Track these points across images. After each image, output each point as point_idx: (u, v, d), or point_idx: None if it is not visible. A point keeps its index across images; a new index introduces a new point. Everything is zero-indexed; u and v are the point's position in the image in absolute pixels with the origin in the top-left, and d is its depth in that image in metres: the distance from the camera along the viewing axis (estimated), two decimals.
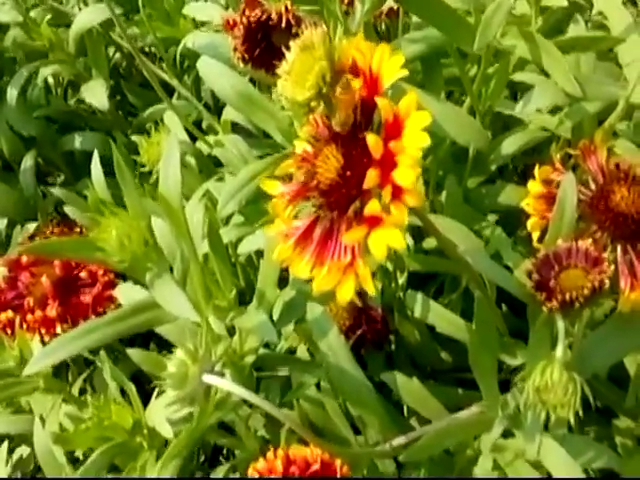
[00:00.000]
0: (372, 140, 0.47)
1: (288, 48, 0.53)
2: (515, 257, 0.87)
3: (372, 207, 0.47)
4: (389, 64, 0.49)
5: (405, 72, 0.48)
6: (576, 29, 0.94)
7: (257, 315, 0.68)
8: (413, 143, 0.47)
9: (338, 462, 0.59)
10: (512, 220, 1.08)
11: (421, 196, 0.47)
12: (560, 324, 0.64)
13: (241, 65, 0.75)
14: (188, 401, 0.58)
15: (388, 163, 0.47)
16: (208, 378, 0.57)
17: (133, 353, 0.72)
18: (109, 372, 0.71)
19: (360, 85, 0.49)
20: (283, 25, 0.69)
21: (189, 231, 0.61)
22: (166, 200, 0.59)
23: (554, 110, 0.98)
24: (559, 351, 0.62)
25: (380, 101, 0.48)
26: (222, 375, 0.59)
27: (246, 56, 0.74)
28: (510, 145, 0.99)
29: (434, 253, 0.99)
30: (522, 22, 0.88)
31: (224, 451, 1.14)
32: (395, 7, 1.03)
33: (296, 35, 0.60)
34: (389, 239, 0.47)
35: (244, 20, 0.71)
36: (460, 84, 1.01)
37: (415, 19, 0.99)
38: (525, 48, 0.80)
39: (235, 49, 0.74)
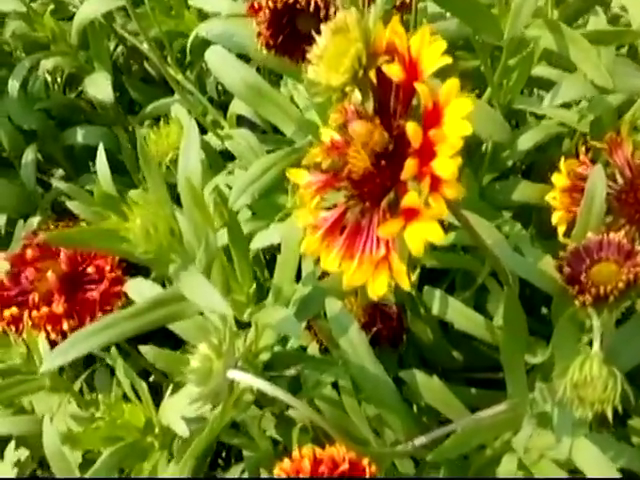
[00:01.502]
0: (412, 128, 0.45)
1: (314, 34, 0.50)
2: (536, 253, 0.85)
3: (411, 199, 0.45)
4: (430, 50, 0.47)
5: (448, 59, 0.46)
6: (596, 22, 0.92)
7: (278, 310, 0.66)
8: (454, 132, 0.44)
9: (366, 461, 0.57)
10: (525, 217, 1.06)
11: (460, 188, 0.45)
12: (595, 319, 0.62)
13: (264, 51, 0.72)
14: (212, 397, 0.56)
15: (427, 153, 0.45)
16: (233, 373, 0.55)
17: (146, 350, 0.70)
18: (122, 370, 0.69)
19: (398, 69, 0.46)
20: (311, 9, 0.67)
21: (212, 219, 0.59)
22: (190, 183, 0.56)
23: (566, 105, 0.97)
24: (596, 346, 0.60)
25: (420, 87, 0.45)
26: (245, 371, 0.57)
27: (271, 42, 0.71)
28: (527, 140, 0.97)
29: (447, 249, 0.97)
30: (537, 15, 0.86)
31: (223, 453, 1.13)
32: (408, 0, 1.00)
33: (323, 20, 0.58)
34: (427, 233, 0.45)
35: (270, 3, 0.68)
36: (473, 78, 0.99)
37: (431, 11, 0.97)
38: (550, 39, 0.78)
39: (259, 34, 0.72)
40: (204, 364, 0.53)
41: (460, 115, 0.45)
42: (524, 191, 0.99)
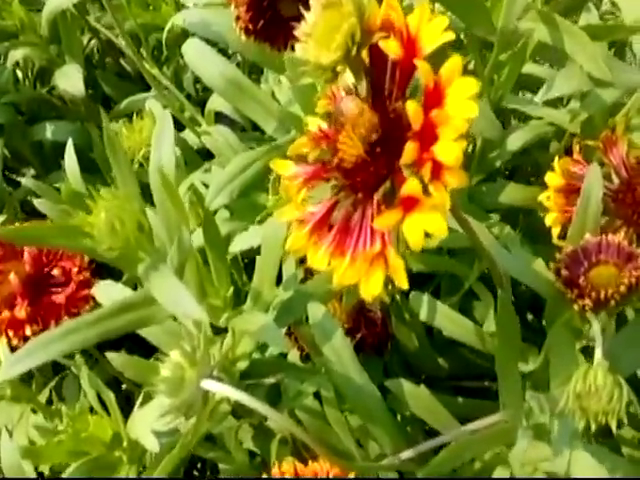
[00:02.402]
0: (412, 107, 0.40)
1: (297, 18, 0.46)
2: (527, 256, 0.82)
3: (411, 186, 0.41)
4: (431, 26, 0.42)
5: (451, 35, 0.42)
6: (588, 18, 0.89)
7: (257, 316, 0.61)
8: (458, 113, 0.40)
9: (351, 476, 0.53)
10: (512, 220, 1.03)
11: (465, 176, 0.41)
12: (595, 324, 0.59)
13: (243, 37, 0.68)
14: (184, 410, 0.51)
15: (428, 136, 0.41)
16: (207, 384, 0.50)
17: (114, 357, 0.64)
18: (87, 379, 0.63)
19: (396, 46, 0.42)
20: None
21: (187, 215, 0.54)
22: (162, 176, 0.51)
23: (555, 106, 0.94)
24: (598, 353, 0.56)
25: (420, 64, 0.41)
26: (221, 381, 0.52)
27: (250, 26, 0.67)
28: (516, 140, 0.93)
29: (433, 252, 0.94)
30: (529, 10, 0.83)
31: (199, 464, 1.08)
32: None
33: (306, 3, 0.53)
34: (428, 224, 0.41)
35: None
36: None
37: (417, 2, 0.93)
38: (545, 31, 0.74)
39: (238, 18, 0.67)
40: (175, 373, 0.48)
41: (464, 95, 0.41)
42: (511, 193, 0.97)
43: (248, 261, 1.00)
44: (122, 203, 0.49)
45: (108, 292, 0.69)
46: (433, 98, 0.41)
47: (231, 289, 0.65)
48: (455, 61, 0.41)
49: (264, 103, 0.89)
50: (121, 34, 0.92)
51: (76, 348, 0.53)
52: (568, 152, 0.97)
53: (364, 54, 0.45)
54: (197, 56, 0.90)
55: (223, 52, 0.93)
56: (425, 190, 0.41)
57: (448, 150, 0.40)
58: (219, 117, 1.09)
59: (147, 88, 1.15)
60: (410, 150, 0.40)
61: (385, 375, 0.98)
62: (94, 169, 1.13)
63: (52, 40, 1.21)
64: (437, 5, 0.87)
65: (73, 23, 1.18)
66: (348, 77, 0.47)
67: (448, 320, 0.80)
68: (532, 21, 0.77)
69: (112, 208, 0.48)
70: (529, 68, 0.92)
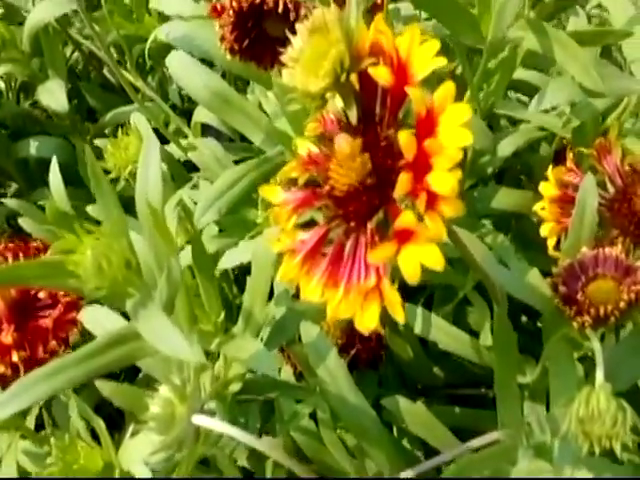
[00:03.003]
0: (404, 138, 0.39)
1: (284, 37, 0.44)
2: (522, 266, 0.81)
3: (406, 219, 0.39)
4: (422, 51, 0.41)
5: (443, 61, 0.40)
6: (577, 23, 0.88)
7: (249, 342, 0.59)
8: (452, 141, 0.39)
9: None
10: (504, 224, 1.02)
11: (460, 205, 0.40)
12: (596, 343, 0.57)
13: (228, 57, 0.66)
14: (176, 446, 0.49)
15: (421, 166, 0.39)
16: (199, 419, 0.48)
17: (103, 386, 0.63)
18: (75, 408, 0.62)
19: (386, 72, 0.41)
20: (280, 10, 0.60)
21: (176, 246, 0.52)
22: (149, 207, 0.50)
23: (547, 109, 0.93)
24: (599, 375, 0.55)
25: (412, 92, 0.40)
26: (213, 414, 0.51)
27: (235, 46, 0.65)
28: (507, 146, 0.92)
29: None
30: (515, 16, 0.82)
31: None
32: (380, 1, 0.95)
33: (293, 23, 0.52)
34: (424, 256, 0.39)
35: (234, 4, 0.62)
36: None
37: (404, 14, 0.92)
38: (534, 40, 0.73)
39: (222, 38, 0.65)
40: (165, 410, 0.47)
41: (458, 123, 0.39)
42: (503, 198, 0.95)
43: (239, 272, 0.99)
44: (109, 241, 0.47)
45: (94, 317, 0.67)
46: (426, 126, 0.40)
47: (222, 314, 0.64)
48: (447, 87, 0.40)
49: (251, 115, 0.87)
50: (102, 47, 0.90)
51: (64, 388, 0.51)
52: (559, 155, 0.96)
53: (354, 78, 0.43)
54: (181, 68, 0.88)
55: (208, 62, 0.91)
56: (420, 218, 0.40)
57: (443, 180, 0.39)
58: (205, 128, 1.07)
59: (136, 95, 1.13)
60: (404, 182, 0.39)
61: (380, 386, 0.97)
62: (80, 183, 1.11)
63: (34, 53, 1.19)
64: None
65: (55, 36, 1.16)
66: (338, 101, 0.45)
67: (443, 333, 0.79)
68: (521, 30, 0.75)
69: (98, 246, 0.47)
70: (519, 73, 0.92)
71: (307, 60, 0.42)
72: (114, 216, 0.50)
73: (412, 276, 0.39)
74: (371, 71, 0.41)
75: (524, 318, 1.03)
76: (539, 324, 0.85)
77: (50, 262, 0.50)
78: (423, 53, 0.41)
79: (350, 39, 0.41)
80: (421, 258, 0.39)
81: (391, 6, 1.01)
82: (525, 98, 1.01)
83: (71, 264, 0.47)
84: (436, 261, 0.39)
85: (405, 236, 0.40)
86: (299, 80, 0.42)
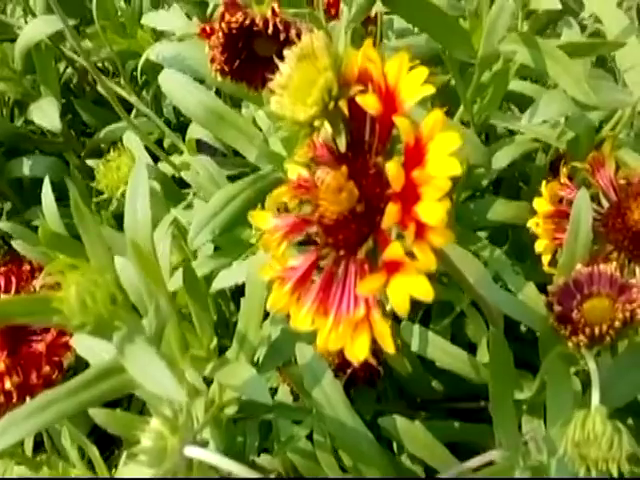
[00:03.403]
0: (393, 169, 0.38)
1: (273, 58, 0.44)
2: (519, 281, 0.80)
3: (393, 251, 0.39)
4: (410, 78, 0.40)
5: (431, 89, 0.40)
6: (570, 34, 0.88)
7: (243, 368, 0.59)
8: (441, 172, 0.38)
9: None
10: (500, 236, 1.02)
11: (450, 235, 0.39)
12: (592, 364, 0.57)
13: (219, 78, 0.66)
14: (168, 477, 0.48)
15: (410, 196, 0.39)
16: (191, 451, 0.48)
17: (96, 413, 0.62)
18: (68, 437, 0.61)
19: (374, 101, 0.40)
20: (269, 31, 0.60)
21: (164, 280, 0.51)
22: (136, 244, 0.49)
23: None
24: (595, 398, 0.54)
25: (400, 121, 0.39)
26: (206, 444, 0.50)
27: (226, 68, 0.64)
28: (502, 158, 0.92)
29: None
30: (508, 28, 0.81)
31: None
32: (373, 14, 0.95)
33: (283, 43, 0.52)
34: (413, 288, 0.39)
35: (224, 26, 0.61)
36: (444, 94, 0.94)
37: (397, 26, 0.92)
38: (526, 53, 0.72)
39: (213, 60, 0.64)
40: (157, 443, 0.46)
41: (446, 152, 0.39)
42: (499, 210, 0.95)
43: (236, 290, 0.99)
44: (93, 276, 0.46)
45: (86, 342, 0.66)
46: (414, 154, 0.40)
47: (215, 339, 0.63)
48: (436, 115, 0.39)
49: (245, 131, 0.87)
50: (89, 64, 0.90)
51: (54, 421, 0.50)
52: (554, 165, 0.95)
53: (343, 105, 0.43)
54: (175, 85, 0.88)
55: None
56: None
57: (432, 211, 0.38)
58: (200, 144, 1.07)
59: (127, 114, 1.13)
60: (392, 213, 0.38)
61: (379, 401, 0.96)
62: None
63: (27, 71, 1.18)
64: None
65: (48, 53, 1.16)
66: (328, 128, 0.45)
67: (441, 351, 0.79)
68: (513, 43, 0.75)
69: (83, 282, 0.46)
70: (514, 85, 0.91)
71: (295, 88, 0.42)
72: (99, 252, 0.49)
73: (401, 307, 0.39)
74: (359, 99, 0.41)
75: (523, 328, 1.02)
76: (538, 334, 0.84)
77: (35, 299, 0.49)
78: (411, 81, 0.41)
79: (338, 66, 0.41)
80: (410, 289, 0.39)
81: (385, 17, 1.01)
82: (520, 109, 1.01)
83: (56, 301, 0.46)
84: (425, 292, 0.39)
85: (394, 267, 0.39)
86: (287, 108, 0.42)
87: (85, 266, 0.47)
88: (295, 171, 0.49)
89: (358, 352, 0.41)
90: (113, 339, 0.47)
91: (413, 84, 0.40)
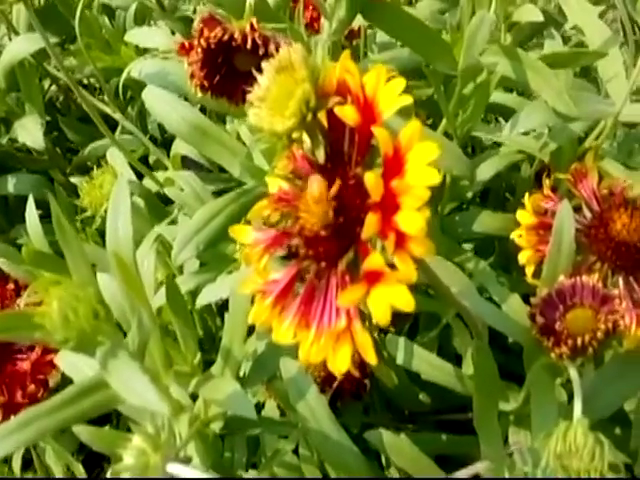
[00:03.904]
0: (371, 180, 0.38)
1: (253, 72, 0.44)
2: (503, 292, 0.80)
3: (373, 261, 0.39)
4: (387, 89, 0.41)
5: (409, 99, 0.40)
6: (552, 45, 0.89)
7: (227, 383, 0.58)
8: (419, 181, 0.38)
9: None
10: (487, 247, 1.02)
11: (430, 244, 0.39)
12: (574, 374, 0.57)
13: (199, 94, 0.66)
14: None
15: (389, 206, 0.39)
16: (174, 468, 0.47)
17: (80, 431, 0.61)
18: (53, 455, 0.60)
19: (353, 112, 0.40)
20: (248, 46, 0.60)
21: (147, 295, 0.51)
22: (119, 259, 0.49)
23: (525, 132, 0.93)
24: (577, 409, 0.54)
25: (378, 132, 0.39)
26: (189, 461, 0.49)
27: (206, 83, 0.64)
28: (487, 169, 0.92)
29: (410, 290, 0.92)
30: (491, 40, 0.82)
31: None
32: (357, 28, 0.96)
33: (263, 57, 0.52)
34: (394, 298, 0.39)
35: (202, 42, 0.61)
36: (427, 106, 0.94)
37: (380, 40, 0.92)
38: (507, 65, 0.73)
39: (192, 76, 0.64)
40: (139, 460, 0.46)
41: (425, 161, 0.39)
42: (484, 221, 0.95)
43: (222, 304, 0.98)
44: (75, 291, 0.46)
45: (71, 359, 0.65)
46: (393, 165, 0.40)
47: (199, 355, 0.63)
48: (414, 126, 0.40)
49: (229, 146, 0.87)
50: (71, 82, 0.90)
51: (37, 439, 0.50)
52: (539, 176, 0.96)
53: (322, 117, 0.43)
54: (158, 101, 0.87)
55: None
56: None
57: (411, 220, 0.38)
58: (184, 160, 1.07)
59: (111, 131, 1.12)
60: (371, 223, 0.38)
61: (366, 414, 0.96)
62: None
63: (11, 88, 1.18)
64: None
65: (31, 70, 1.16)
66: (307, 139, 0.45)
67: (426, 364, 0.78)
68: (495, 55, 0.75)
69: (65, 297, 0.46)
70: (497, 96, 0.92)
71: (273, 99, 0.42)
72: (81, 267, 0.49)
73: (382, 318, 0.39)
74: (337, 111, 0.41)
75: (510, 339, 1.02)
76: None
77: (17, 314, 0.49)
78: (389, 91, 0.41)
79: (316, 78, 0.41)
80: (391, 299, 0.39)
81: (369, 32, 1.02)
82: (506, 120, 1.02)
83: (38, 316, 0.46)
84: (406, 302, 0.39)
85: (374, 277, 0.39)
86: (265, 120, 0.42)
87: (67, 281, 0.47)
88: (276, 184, 0.49)
89: (340, 364, 0.41)
90: (96, 355, 0.47)
91: (391, 95, 0.40)
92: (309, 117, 0.41)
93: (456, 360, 0.85)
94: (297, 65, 0.41)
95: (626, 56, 0.88)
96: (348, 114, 0.41)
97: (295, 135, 0.42)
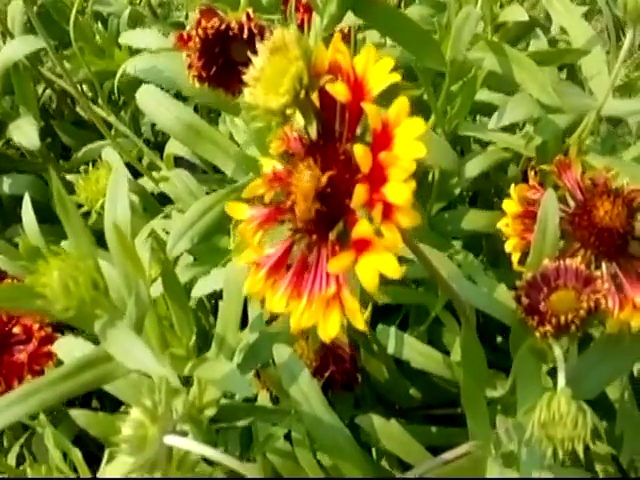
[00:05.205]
0: (360, 151, 0.40)
1: (250, 61, 0.46)
2: (490, 282, 0.82)
3: (362, 229, 0.41)
4: (377, 67, 0.43)
5: (397, 77, 0.42)
6: (537, 44, 0.91)
7: (222, 364, 0.60)
8: (406, 154, 0.40)
9: None
10: (475, 246, 1.04)
11: (416, 215, 0.41)
12: (557, 350, 0.59)
13: (197, 84, 0.67)
14: (148, 467, 0.49)
15: (377, 178, 0.41)
16: (171, 439, 0.49)
17: (77, 415, 0.62)
18: (51, 439, 0.61)
19: (344, 89, 0.42)
20: (245, 36, 0.62)
21: (144, 269, 0.53)
22: (117, 231, 0.50)
23: (511, 130, 0.95)
24: (561, 380, 0.56)
25: (368, 107, 0.41)
26: (185, 435, 0.51)
27: (203, 73, 0.66)
28: (474, 167, 0.94)
29: (399, 283, 0.93)
30: (478, 39, 0.84)
31: None
32: (346, 30, 0.98)
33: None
34: (381, 265, 0.40)
35: (200, 32, 0.63)
36: (417, 107, 0.96)
37: (370, 39, 0.94)
38: (494, 60, 0.75)
39: (190, 66, 0.66)
40: (137, 431, 0.47)
41: (412, 136, 0.41)
42: (473, 219, 0.97)
43: (215, 302, 1.00)
44: (75, 262, 0.47)
45: (69, 348, 0.67)
46: (382, 139, 0.42)
47: (194, 337, 0.64)
48: (402, 102, 0.41)
49: (222, 145, 0.88)
50: (71, 85, 0.91)
51: (36, 410, 0.51)
52: (526, 175, 0.98)
53: (314, 95, 0.45)
54: (152, 102, 0.89)
55: (179, 95, 0.92)
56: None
57: (398, 191, 0.40)
58: (178, 161, 1.08)
59: (109, 133, 1.14)
60: (360, 193, 0.40)
61: (357, 407, 0.97)
62: (54, 220, 1.11)
63: (5, 91, 1.20)
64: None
65: (26, 74, 1.17)
66: (299, 117, 0.47)
67: (416, 352, 0.80)
68: (481, 51, 0.78)
69: (65, 267, 0.47)
70: (482, 95, 0.94)
71: (268, 78, 0.44)
72: (81, 238, 0.50)
73: (370, 284, 0.41)
74: (329, 88, 0.43)
75: (499, 339, 1.04)
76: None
77: (18, 285, 0.50)
78: (378, 70, 0.43)
79: (309, 57, 0.43)
80: (378, 267, 0.40)
81: (359, 35, 1.04)
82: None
83: (38, 285, 0.47)
84: (393, 269, 0.40)
85: (363, 246, 0.41)
86: (260, 98, 0.44)
87: (67, 253, 0.49)
88: (269, 165, 0.50)
89: (330, 329, 0.42)
90: (94, 327, 0.48)
91: (380, 73, 0.42)
92: (302, 94, 0.43)
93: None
94: (291, 45, 0.43)
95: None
96: (339, 90, 0.42)
97: (289, 112, 0.44)
